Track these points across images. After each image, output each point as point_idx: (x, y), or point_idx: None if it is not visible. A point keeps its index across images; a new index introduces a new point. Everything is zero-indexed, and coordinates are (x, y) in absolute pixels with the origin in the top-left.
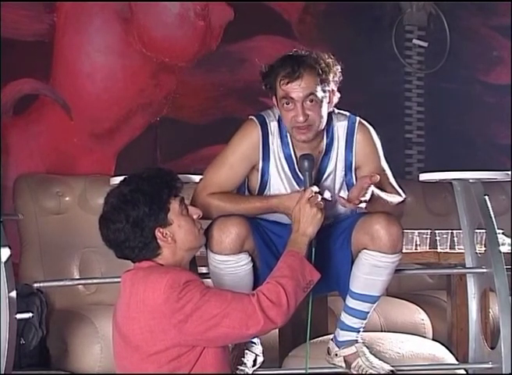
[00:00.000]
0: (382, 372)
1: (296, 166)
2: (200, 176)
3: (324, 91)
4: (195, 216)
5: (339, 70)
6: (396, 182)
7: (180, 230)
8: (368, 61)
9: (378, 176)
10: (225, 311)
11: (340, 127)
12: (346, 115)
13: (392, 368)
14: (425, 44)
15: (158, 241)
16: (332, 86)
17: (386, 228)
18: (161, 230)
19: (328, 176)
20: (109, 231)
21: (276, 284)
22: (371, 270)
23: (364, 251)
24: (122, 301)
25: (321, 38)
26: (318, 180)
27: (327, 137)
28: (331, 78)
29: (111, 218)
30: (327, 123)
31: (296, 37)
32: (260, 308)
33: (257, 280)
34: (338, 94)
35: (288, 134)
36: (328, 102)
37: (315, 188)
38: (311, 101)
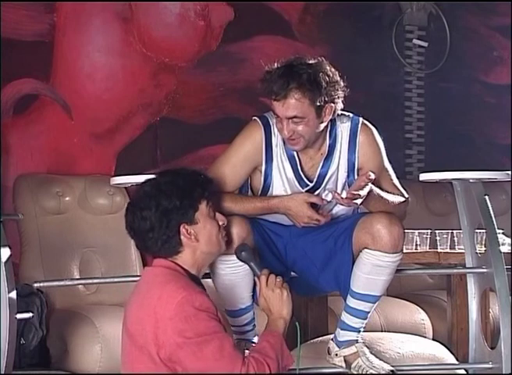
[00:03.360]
0: (383, 372)
1: (298, 167)
2: None
3: (314, 110)
4: (220, 223)
5: (341, 87)
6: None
7: (205, 232)
8: (368, 61)
9: (372, 174)
10: (216, 364)
11: (343, 129)
12: (349, 116)
13: (392, 368)
14: (425, 44)
15: (182, 237)
16: (324, 102)
17: (388, 227)
18: (186, 226)
19: (331, 177)
20: (135, 218)
21: (263, 362)
22: (372, 270)
23: (365, 250)
24: (135, 299)
25: (321, 38)
26: (320, 182)
27: (330, 139)
28: (320, 99)
29: (140, 205)
30: (330, 125)
31: (296, 37)
32: None
33: (258, 262)
34: (340, 105)
35: None
36: (320, 118)
37: (266, 271)
38: (296, 120)
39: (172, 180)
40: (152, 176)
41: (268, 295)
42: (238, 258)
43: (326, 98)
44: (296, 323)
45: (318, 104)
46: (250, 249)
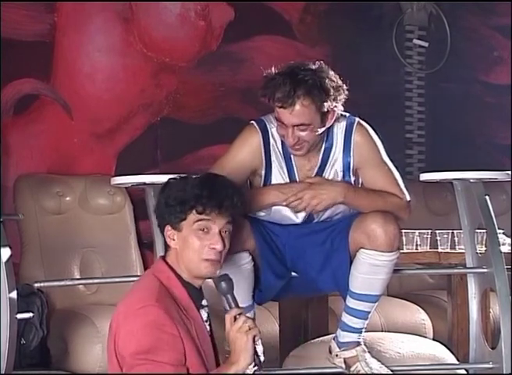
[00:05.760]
0: None
1: (295, 171)
2: None
3: (319, 116)
4: (211, 246)
5: (343, 91)
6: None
7: (183, 243)
8: (368, 61)
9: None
10: None
11: (339, 128)
12: (345, 116)
13: (390, 372)
14: (426, 44)
15: (166, 237)
16: (330, 107)
17: (383, 227)
18: (169, 228)
19: (328, 177)
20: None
21: None
22: (369, 269)
23: (362, 250)
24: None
25: (322, 38)
26: None
27: (326, 140)
28: (327, 104)
29: (158, 195)
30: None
31: (296, 37)
32: None
33: (258, 278)
34: (340, 108)
35: None
36: (323, 122)
37: (237, 311)
38: (302, 127)
39: (169, 192)
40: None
41: (231, 336)
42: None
43: (331, 104)
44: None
45: (324, 110)
46: (230, 281)
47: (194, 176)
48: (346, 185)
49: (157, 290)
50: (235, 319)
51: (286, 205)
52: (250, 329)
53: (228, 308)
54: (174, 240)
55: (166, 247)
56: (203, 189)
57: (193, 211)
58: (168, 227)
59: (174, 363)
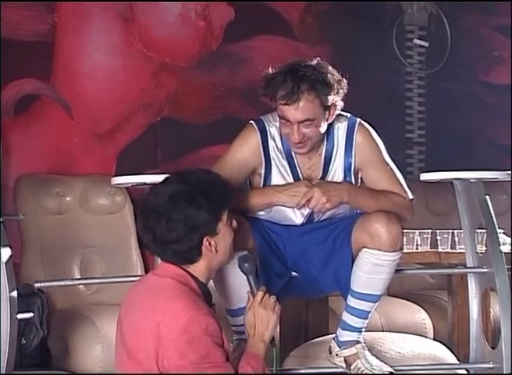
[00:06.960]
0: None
1: (298, 169)
2: None
3: (323, 110)
4: (234, 227)
5: (344, 85)
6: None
7: (223, 241)
8: (368, 61)
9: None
10: None
11: (340, 129)
12: (346, 116)
13: (391, 369)
14: (426, 44)
15: (203, 248)
16: (334, 101)
17: (386, 226)
18: (209, 239)
19: (329, 177)
20: (159, 226)
21: None
22: (371, 269)
23: (365, 249)
24: (137, 307)
25: (322, 38)
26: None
27: (327, 140)
28: (331, 98)
29: (167, 215)
30: (328, 125)
31: (297, 37)
32: None
33: (257, 277)
34: (341, 103)
35: None
36: (328, 117)
37: (264, 288)
38: (307, 123)
39: (203, 190)
40: (174, 176)
41: (258, 312)
42: (240, 267)
43: (334, 98)
44: (273, 349)
45: (328, 104)
46: (253, 261)
47: (193, 174)
48: (349, 184)
49: (190, 296)
50: (261, 298)
51: (299, 208)
52: (273, 310)
53: (253, 288)
54: (213, 247)
55: (186, 262)
56: (223, 183)
57: (225, 209)
58: (207, 238)
59: (226, 359)
